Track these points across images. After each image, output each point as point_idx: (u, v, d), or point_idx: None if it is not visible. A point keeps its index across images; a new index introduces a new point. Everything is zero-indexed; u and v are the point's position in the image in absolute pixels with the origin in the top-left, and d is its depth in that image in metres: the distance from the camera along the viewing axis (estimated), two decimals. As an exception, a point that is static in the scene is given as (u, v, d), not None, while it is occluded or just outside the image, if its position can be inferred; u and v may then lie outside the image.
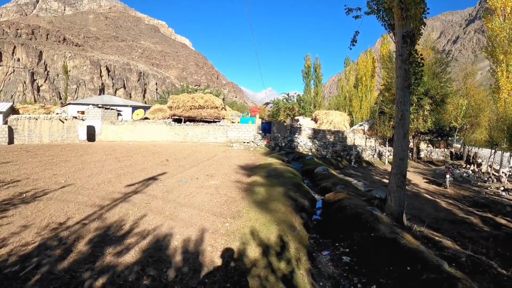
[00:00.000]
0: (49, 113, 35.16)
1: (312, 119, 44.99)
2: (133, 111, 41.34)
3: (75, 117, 32.78)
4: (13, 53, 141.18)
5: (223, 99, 51.08)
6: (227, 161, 19.44)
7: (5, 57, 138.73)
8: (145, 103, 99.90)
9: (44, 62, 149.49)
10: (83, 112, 35.32)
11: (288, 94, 55.84)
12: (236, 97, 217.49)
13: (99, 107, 34.95)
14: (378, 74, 62.45)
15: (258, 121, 35.15)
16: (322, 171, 16.45)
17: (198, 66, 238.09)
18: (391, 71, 40.39)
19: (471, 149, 42.25)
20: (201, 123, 34.88)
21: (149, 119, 37.67)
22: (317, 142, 32.47)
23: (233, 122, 35.05)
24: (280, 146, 31.76)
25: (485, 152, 41.86)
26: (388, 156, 33.57)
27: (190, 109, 36.53)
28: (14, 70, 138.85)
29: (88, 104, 38.95)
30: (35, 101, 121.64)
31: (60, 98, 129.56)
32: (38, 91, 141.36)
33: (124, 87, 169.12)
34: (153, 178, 12.73)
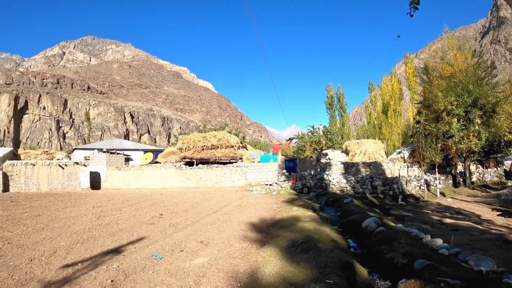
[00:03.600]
0: (51, 159, 31.95)
1: (342, 151, 39.86)
2: (145, 156, 37.69)
3: (77, 163, 30.07)
4: (38, 101, 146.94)
5: (244, 138, 46.61)
6: (239, 214, 15.03)
7: (31, 105, 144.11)
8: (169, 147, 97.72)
9: (69, 110, 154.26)
10: (89, 158, 32.19)
11: (313, 127, 50.79)
12: (261, 136, 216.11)
13: (104, 152, 31.51)
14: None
15: (281, 159, 30.39)
16: (375, 225, 10.92)
17: (222, 109, 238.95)
18: (427, 84, 35.54)
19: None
20: (215, 165, 30.42)
21: (160, 163, 33.69)
22: (352, 178, 27.26)
23: (253, 162, 30.40)
24: (309, 186, 26.76)
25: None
26: (439, 186, 28.11)
27: (202, 149, 32.34)
28: (40, 118, 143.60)
29: (94, 149, 35.55)
30: (61, 148, 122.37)
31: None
32: (64, 138, 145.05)
33: (149, 132, 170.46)
34: (116, 251, 8.94)
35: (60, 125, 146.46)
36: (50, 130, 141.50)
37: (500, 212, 19.51)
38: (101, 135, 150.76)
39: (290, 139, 52.07)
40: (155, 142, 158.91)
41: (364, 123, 79.45)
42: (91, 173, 30.51)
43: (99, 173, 31.05)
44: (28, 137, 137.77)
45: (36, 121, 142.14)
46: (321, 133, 49.63)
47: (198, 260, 8.08)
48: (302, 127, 52.30)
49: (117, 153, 33.23)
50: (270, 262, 7.84)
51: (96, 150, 32.97)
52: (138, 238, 10.30)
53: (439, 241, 9.54)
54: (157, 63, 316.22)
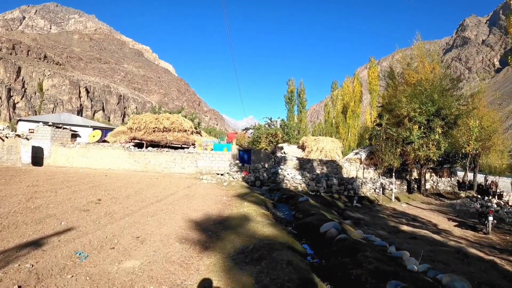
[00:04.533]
0: None
1: (298, 147, 38.66)
2: (95, 134, 35.16)
3: (18, 135, 27.51)
4: None
5: (199, 124, 44.61)
6: (185, 205, 13.45)
7: None
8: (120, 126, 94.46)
9: (22, 78, 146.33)
10: (34, 131, 29.70)
11: (270, 119, 49.36)
12: (217, 124, 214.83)
13: (49, 125, 28.85)
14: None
15: (235, 149, 28.83)
16: (335, 231, 9.35)
17: (180, 92, 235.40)
18: (391, 88, 35.05)
19: (486, 177, 36.64)
20: (166, 149, 28.43)
21: (108, 142, 31.37)
22: (307, 175, 26.07)
23: (205, 149, 28.69)
24: (262, 180, 25.36)
25: (503, 180, 36.23)
26: (394, 191, 27.48)
27: (154, 131, 30.25)
28: None
29: (40, 122, 32.69)
30: (10, 119, 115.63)
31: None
32: (14, 108, 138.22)
33: (103, 110, 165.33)
34: (36, 244, 7.42)
35: (11, 94, 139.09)
36: (0, 98, 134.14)
37: (457, 223, 19.17)
38: (54, 108, 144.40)
39: (246, 129, 50.41)
40: (109, 120, 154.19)
41: (321, 121, 79.90)
42: (34, 147, 27.85)
43: (42, 148, 28.40)
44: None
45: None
46: (278, 126, 48.41)
47: (129, 263, 6.63)
48: (260, 119, 51.08)
49: (64, 128, 30.61)
50: (214, 273, 6.44)
51: (41, 123, 30.23)
52: (66, 228, 8.77)
53: (405, 255, 8.37)
54: (120, 38, 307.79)
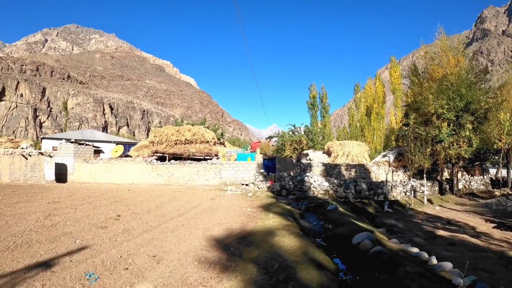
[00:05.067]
0: (17, 148, 29.50)
1: (324, 152, 37.80)
2: (118, 149, 35.17)
3: (42, 153, 27.66)
4: (16, 88, 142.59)
5: (222, 134, 44.15)
6: (207, 219, 12.89)
7: (8, 92, 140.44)
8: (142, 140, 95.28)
9: (47, 98, 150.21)
10: (57, 149, 30.04)
11: (294, 126, 48.54)
12: (241, 134, 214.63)
13: (72, 142, 29.01)
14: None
15: (259, 158, 28.20)
16: (370, 243, 8.48)
17: (203, 105, 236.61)
18: (416, 86, 33.91)
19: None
20: (188, 162, 28.06)
21: (131, 157, 31.26)
22: (334, 181, 25.23)
23: (229, 160, 28.20)
24: (288, 188, 24.66)
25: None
26: (426, 193, 26.42)
27: (176, 144, 30.01)
28: (17, 105, 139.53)
29: (63, 139, 32.91)
30: (37, 137, 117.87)
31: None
32: (41, 127, 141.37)
33: (128, 125, 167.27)
34: (46, 264, 7.02)
35: (37, 114, 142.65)
36: (27, 118, 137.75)
37: (495, 224, 18.03)
38: (79, 126, 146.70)
39: (270, 137, 49.77)
40: (133, 135, 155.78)
41: (345, 125, 78.75)
42: (57, 164, 28.29)
43: (66, 165, 28.64)
44: (4, 125, 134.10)
45: (13, 109, 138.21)
46: (302, 132, 47.62)
47: (141, 286, 6.08)
48: (283, 126, 50.38)
49: (86, 144, 30.68)
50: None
51: (63, 140, 30.44)
52: (80, 247, 8.32)
53: (448, 266, 7.64)
54: (140, 55, 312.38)
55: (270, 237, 9.83)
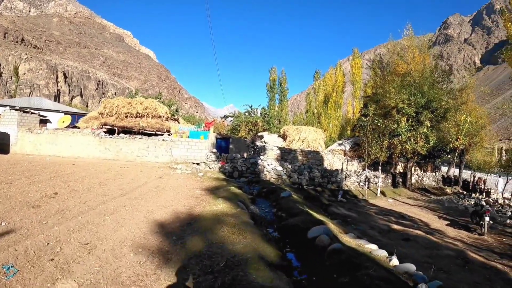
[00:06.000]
0: None
1: (279, 136, 36.98)
2: (67, 119, 32.91)
3: None
4: None
5: (177, 110, 42.43)
6: (152, 200, 11.76)
7: None
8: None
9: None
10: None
11: (251, 107, 47.29)
12: (197, 112, 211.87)
13: (16, 110, 26.68)
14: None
15: (212, 137, 26.93)
16: (327, 239, 7.59)
17: (161, 79, 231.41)
18: (379, 78, 33.67)
19: (474, 174, 35.69)
20: (139, 136, 26.42)
21: (79, 128, 29.28)
22: (288, 166, 24.42)
23: (181, 137, 26.83)
24: (240, 170, 23.62)
25: (490, 178, 35.34)
26: (380, 185, 26.14)
27: (126, 117, 28.13)
28: None
29: (7, 106, 30.44)
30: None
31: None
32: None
33: (81, 95, 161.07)
34: None
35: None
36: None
37: (448, 222, 17.99)
38: (30, 93, 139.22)
39: (226, 117, 48.31)
40: (87, 106, 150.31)
41: (301, 111, 78.98)
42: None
43: (8, 135, 26.31)
44: None
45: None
46: (259, 114, 46.60)
47: (64, 285, 5.02)
48: (239, 107, 49.27)
49: (32, 113, 28.33)
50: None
51: (7, 107, 28.00)
52: (4, 231, 7.15)
53: (411, 268, 6.84)
54: (101, 23, 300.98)
55: (217, 225, 8.73)
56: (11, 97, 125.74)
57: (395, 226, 14.84)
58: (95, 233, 7.47)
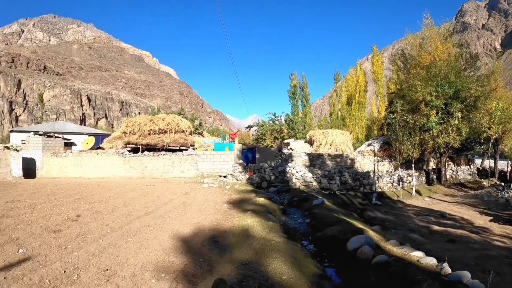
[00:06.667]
0: None
1: (306, 142, 36.26)
2: (91, 141, 33.15)
3: (7, 147, 25.45)
4: None
5: (200, 124, 42.25)
6: (178, 218, 11.20)
7: None
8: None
9: (23, 91, 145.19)
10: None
11: (274, 115, 46.59)
12: (221, 125, 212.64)
13: (40, 135, 27.00)
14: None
15: (238, 148, 26.47)
16: (370, 250, 6.20)
17: (183, 95, 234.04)
18: (403, 72, 32.67)
19: (510, 163, 34.27)
20: (163, 153, 26.21)
21: (103, 148, 29.34)
22: (318, 172, 23.65)
23: (206, 150, 26.48)
24: (268, 180, 22.98)
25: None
26: (414, 183, 25.13)
27: (149, 134, 28.02)
28: None
29: (32, 132, 30.91)
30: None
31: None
32: (17, 121, 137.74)
33: (106, 117, 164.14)
34: None
35: (13, 107, 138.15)
36: (2, 112, 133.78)
37: (492, 217, 16.98)
38: (56, 119, 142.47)
39: (250, 127, 47.83)
40: (112, 127, 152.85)
41: (325, 115, 78.17)
42: (26, 159, 26.20)
43: (34, 160, 26.55)
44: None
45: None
46: (283, 121, 45.90)
47: None
48: (263, 116, 48.80)
49: (56, 137, 28.57)
50: None
51: (32, 133, 28.34)
52: (22, 258, 6.72)
53: (466, 276, 6.12)
54: (119, 45, 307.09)
55: (246, 242, 8.09)
56: (38, 123, 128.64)
57: (436, 227, 13.97)
58: (115, 257, 7.02)
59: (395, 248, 8.12)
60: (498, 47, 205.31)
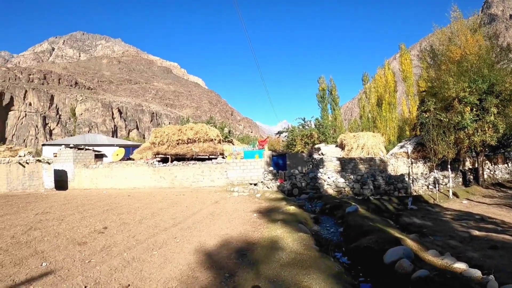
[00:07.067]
0: (15, 156, 28.32)
1: (337, 146, 35.51)
2: (122, 153, 33.64)
3: (39, 160, 26.31)
4: (24, 97, 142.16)
5: (230, 132, 42.15)
6: (206, 229, 10.97)
7: (16, 101, 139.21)
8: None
9: (56, 106, 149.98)
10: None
11: (304, 119, 45.87)
12: (251, 132, 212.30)
13: (71, 147, 27.84)
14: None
15: (268, 154, 26.22)
16: (408, 264, 6.07)
17: (212, 104, 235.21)
18: (433, 69, 31.70)
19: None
20: (192, 162, 26.23)
21: (133, 159, 29.68)
22: (351, 177, 23.07)
23: (235, 158, 26.34)
24: (299, 187, 22.61)
25: None
26: (450, 185, 24.24)
27: (178, 144, 28.25)
28: (26, 114, 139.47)
29: (63, 145, 31.60)
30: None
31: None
32: (51, 134, 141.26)
33: (137, 128, 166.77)
34: None
35: (47, 122, 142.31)
36: (36, 126, 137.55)
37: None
38: (89, 131, 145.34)
39: (280, 133, 47.22)
40: (143, 138, 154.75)
41: (355, 118, 77.09)
42: (57, 171, 26.85)
43: (66, 172, 27.18)
44: (14, 134, 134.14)
45: (22, 118, 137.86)
46: (313, 126, 45.23)
47: None
48: (292, 121, 48.25)
49: (86, 149, 29.13)
50: None
51: (63, 146, 28.97)
52: (44, 272, 6.70)
53: None
54: (147, 58, 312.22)
55: (276, 255, 7.76)
56: (71, 136, 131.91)
57: (477, 232, 13.25)
58: (139, 271, 6.87)
59: (435, 258, 7.64)
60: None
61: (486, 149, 28.38)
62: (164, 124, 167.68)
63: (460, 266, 7.04)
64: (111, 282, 6.23)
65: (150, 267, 7.11)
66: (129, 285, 6.14)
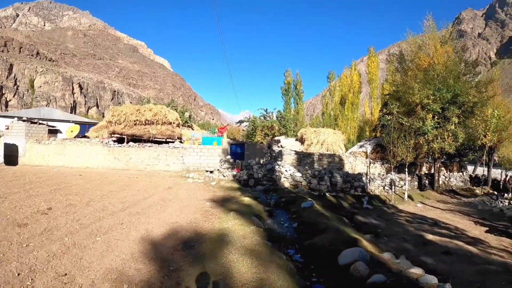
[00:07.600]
0: None
1: (297, 140, 35.36)
2: (78, 129, 32.19)
3: None
4: None
5: (190, 116, 41.24)
6: (155, 215, 10.33)
7: None
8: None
9: (14, 76, 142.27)
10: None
11: (266, 110, 45.66)
12: (213, 119, 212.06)
13: (24, 121, 26.16)
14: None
15: (226, 142, 25.56)
16: (364, 268, 5.56)
17: (176, 87, 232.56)
18: (400, 73, 31.93)
19: (506, 172, 33.81)
20: (149, 144, 25.26)
21: (88, 137, 28.37)
22: (308, 172, 22.76)
23: (193, 144, 25.55)
24: (256, 178, 22.10)
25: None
26: (406, 188, 24.37)
27: (135, 124, 27.11)
28: None
29: (16, 117, 29.84)
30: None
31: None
32: (6, 106, 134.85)
33: (97, 106, 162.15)
34: None
35: (3, 92, 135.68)
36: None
37: (487, 228, 16.19)
38: (47, 105, 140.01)
39: (241, 122, 46.58)
40: (103, 116, 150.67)
41: (317, 114, 78.08)
42: (8, 145, 25.35)
43: (17, 146, 25.71)
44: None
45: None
46: (275, 118, 44.96)
47: None
48: (255, 111, 47.89)
49: (40, 123, 27.56)
50: None
51: (15, 119, 27.28)
52: None
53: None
54: (114, 34, 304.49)
55: (225, 250, 7.14)
56: (28, 109, 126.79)
57: (431, 236, 13.13)
58: (78, 259, 6.16)
59: (391, 262, 7.24)
60: (493, 56, 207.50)
61: (444, 156, 28.87)
62: (125, 103, 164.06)
63: (416, 271, 6.68)
64: (47, 270, 5.60)
65: (91, 255, 6.44)
66: (66, 274, 5.53)
